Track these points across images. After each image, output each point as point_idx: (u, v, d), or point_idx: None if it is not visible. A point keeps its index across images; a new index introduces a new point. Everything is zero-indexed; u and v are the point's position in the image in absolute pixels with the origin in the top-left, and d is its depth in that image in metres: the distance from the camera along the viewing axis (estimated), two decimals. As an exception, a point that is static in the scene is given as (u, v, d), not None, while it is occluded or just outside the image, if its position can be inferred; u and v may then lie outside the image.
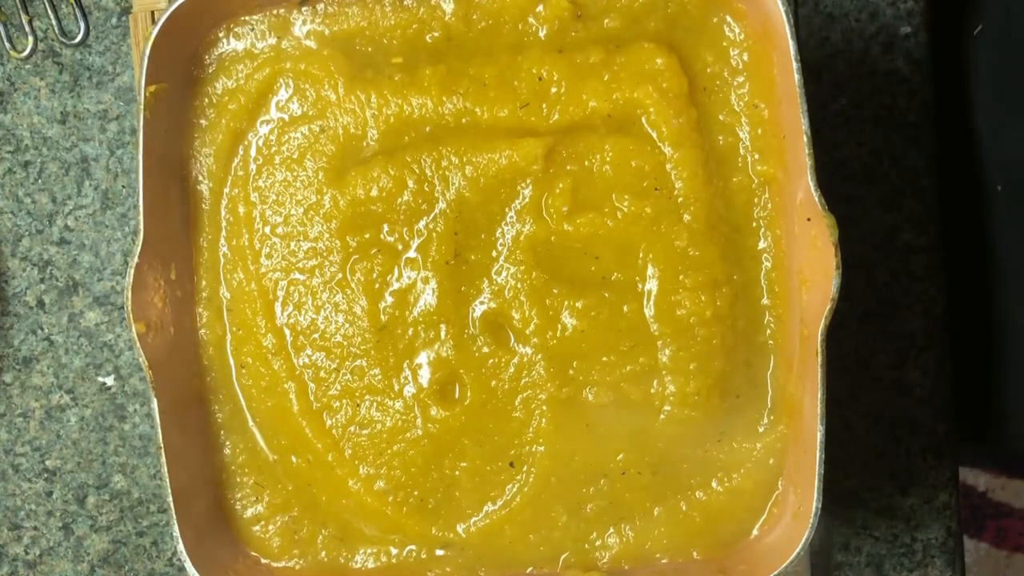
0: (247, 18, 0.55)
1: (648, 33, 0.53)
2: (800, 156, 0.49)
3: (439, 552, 0.55)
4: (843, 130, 0.62)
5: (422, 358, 0.54)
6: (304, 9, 0.54)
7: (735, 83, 0.53)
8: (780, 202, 0.53)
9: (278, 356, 0.55)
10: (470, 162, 0.53)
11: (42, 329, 0.65)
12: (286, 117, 0.55)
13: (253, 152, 0.55)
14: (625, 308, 0.53)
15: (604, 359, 0.53)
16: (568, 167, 0.53)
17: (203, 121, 0.55)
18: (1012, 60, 0.53)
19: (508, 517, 0.54)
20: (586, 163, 0.53)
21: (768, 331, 0.54)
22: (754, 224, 0.54)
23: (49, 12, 0.62)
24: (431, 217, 0.53)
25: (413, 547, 0.55)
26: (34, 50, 0.63)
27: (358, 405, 0.54)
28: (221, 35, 0.55)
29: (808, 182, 0.49)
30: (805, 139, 0.49)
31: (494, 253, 0.53)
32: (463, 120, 0.53)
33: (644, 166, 0.53)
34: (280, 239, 0.55)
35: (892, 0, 0.62)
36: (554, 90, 0.53)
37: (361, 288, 0.54)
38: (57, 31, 0.62)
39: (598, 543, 0.54)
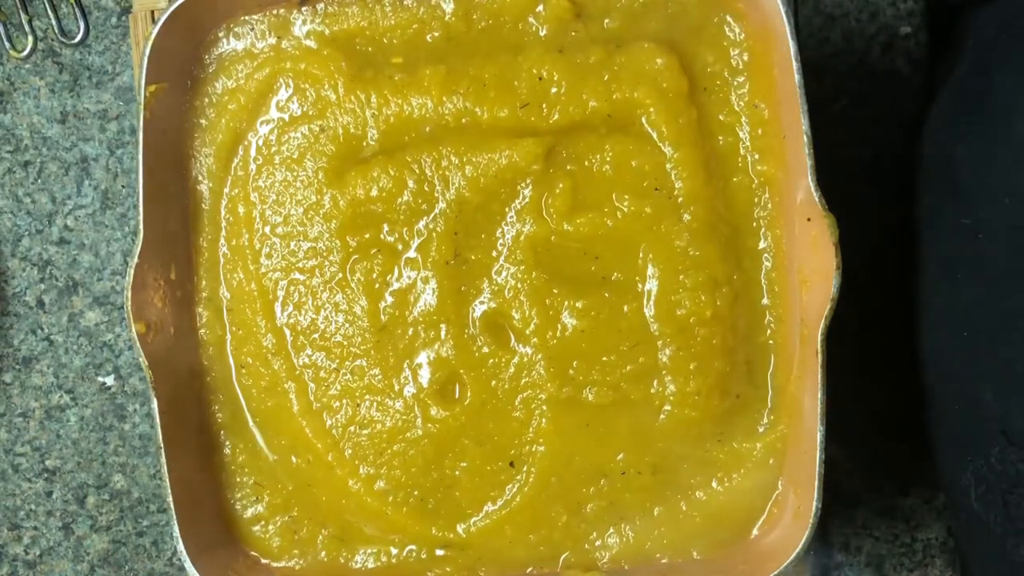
0: (247, 18, 0.55)
1: (648, 33, 0.53)
2: (800, 156, 0.49)
3: (439, 552, 0.55)
4: (843, 130, 0.62)
5: (422, 358, 0.54)
6: (304, 9, 0.54)
7: (735, 83, 0.53)
8: (780, 202, 0.53)
9: (278, 356, 0.55)
10: (470, 162, 0.53)
11: (42, 329, 0.65)
12: (286, 117, 0.55)
13: (253, 152, 0.55)
14: (625, 308, 0.53)
15: (604, 359, 0.53)
16: (568, 167, 0.53)
17: (203, 121, 0.55)
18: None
19: (508, 517, 0.54)
20: (586, 163, 0.53)
21: (768, 331, 0.54)
22: (754, 224, 0.54)
23: (49, 12, 0.62)
24: (431, 217, 0.53)
25: (413, 547, 0.55)
26: (34, 50, 0.63)
27: (358, 405, 0.54)
28: (221, 35, 0.55)
29: (808, 182, 0.49)
30: (805, 139, 0.49)
31: (494, 253, 0.53)
32: (463, 120, 0.53)
33: (644, 166, 0.53)
34: (280, 239, 0.55)
35: (892, 0, 0.62)
36: (554, 90, 0.53)
37: (361, 288, 0.54)
38: (57, 31, 0.62)
39: (598, 543, 0.54)
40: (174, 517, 0.51)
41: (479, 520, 0.54)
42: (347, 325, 0.54)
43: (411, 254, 0.54)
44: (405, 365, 0.54)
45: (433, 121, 0.53)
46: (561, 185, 0.53)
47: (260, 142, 0.55)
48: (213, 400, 0.55)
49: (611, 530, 0.54)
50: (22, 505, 0.65)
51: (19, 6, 0.62)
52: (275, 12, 0.55)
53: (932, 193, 0.55)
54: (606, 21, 0.54)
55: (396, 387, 0.54)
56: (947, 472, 0.53)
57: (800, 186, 0.50)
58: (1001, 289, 0.49)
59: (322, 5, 0.54)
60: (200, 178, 0.55)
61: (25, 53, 0.63)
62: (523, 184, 0.53)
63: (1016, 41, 0.52)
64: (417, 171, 0.53)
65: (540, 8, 0.53)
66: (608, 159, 0.53)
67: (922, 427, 0.62)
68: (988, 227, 0.49)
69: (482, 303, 0.53)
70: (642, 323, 0.53)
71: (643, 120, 0.53)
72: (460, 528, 0.54)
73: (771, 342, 0.54)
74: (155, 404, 0.51)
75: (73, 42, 0.62)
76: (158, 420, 0.51)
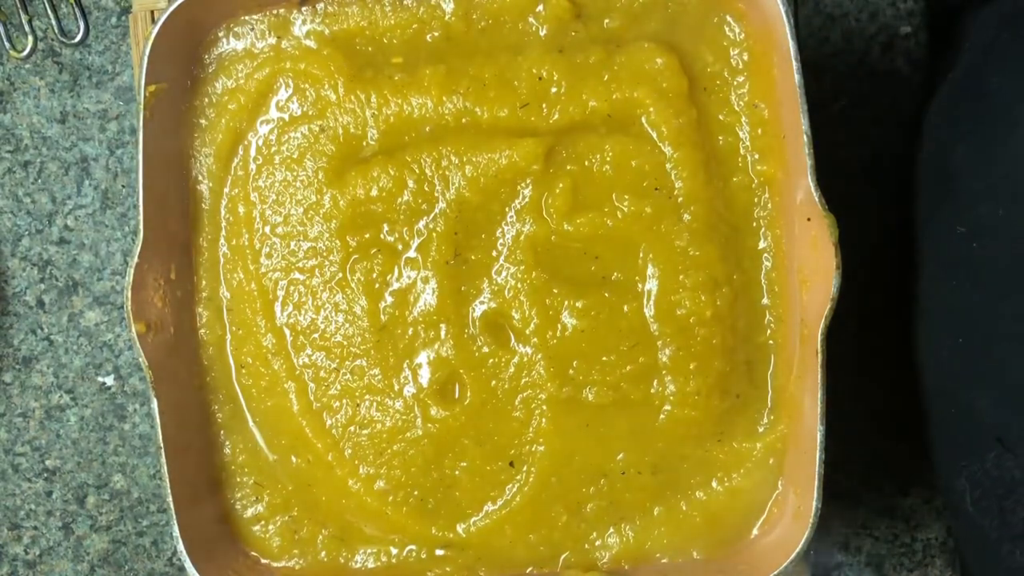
0: (247, 18, 0.55)
1: (648, 33, 0.53)
2: (800, 156, 0.49)
3: (439, 552, 0.55)
4: (843, 130, 0.62)
5: (422, 358, 0.54)
6: (304, 9, 0.54)
7: (735, 83, 0.53)
8: (780, 202, 0.53)
9: (278, 356, 0.55)
10: (470, 162, 0.53)
11: (42, 329, 0.65)
12: (286, 117, 0.55)
13: (253, 152, 0.55)
14: (625, 308, 0.53)
15: (604, 359, 0.53)
16: (568, 167, 0.53)
17: (203, 121, 0.55)
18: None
19: (508, 517, 0.54)
20: (586, 163, 0.53)
21: (768, 331, 0.54)
22: (754, 224, 0.54)
23: (49, 12, 0.62)
24: (431, 217, 0.53)
25: (413, 547, 0.55)
26: (34, 50, 0.63)
27: (358, 405, 0.54)
28: (221, 35, 0.55)
29: (808, 182, 0.49)
30: (805, 139, 0.49)
31: (494, 253, 0.53)
32: (463, 120, 0.53)
33: (644, 166, 0.53)
34: (280, 239, 0.55)
35: (892, 0, 0.62)
36: (554, 90, 0.53)
37: (361, 288, 0.54)
38: (57, 31, 0.62)
39: (598, 543, 0.54)
40: (174, 517, 0.51)
41: (479, 520, 0.54)
42: (347, 325, 0.54)
43: (411, 254, 0.54)
44: (405, 365, 0.54)
45: (433, 121, 0.53)
46: (561, 185, 0.53)
47: (260, 142, 0.55)
48: (213, 400, 0.55)
49: (611, 530, 0.54)
50: (22, 505, 0.65)
51: (19, 6, 0.62)
52: (275, 12, 0.55)
53: (930, 192, 0.55)
54: (606, 21, 0.54)
55: (396, 387, 0.54)
56: (943, 477, 0.53)
57: (800, 186, 0.50)
58: (999, 292, 0.49)
59: (322, 5, 0.54)
60: (200, 178, 0.55)
61: (25, 53, 0.63)
62: (523, 184, 0.53)
63: (1017, 41, 0.52)
64: (417, 171, 0.53)
65: (540, 8, 0.53)
66: (608, 159, 0.53)
67: (921, 428, 0.62)
68: (986, 229, 0.49)
69: (482, 303, 0.53)
70: (642, 323, 0.53)
71: (643, 120, 0.53)
72: (460, 528, 0.54)
73: (771, 342, 0.54)
74: (155, 404, 0.51)
75: (73, 42, 0.62)
76: (158, 420, 0.51)
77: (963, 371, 0.51)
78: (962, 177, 0.52)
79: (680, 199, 0.53)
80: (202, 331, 0.55)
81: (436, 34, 0.54)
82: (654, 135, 0.53)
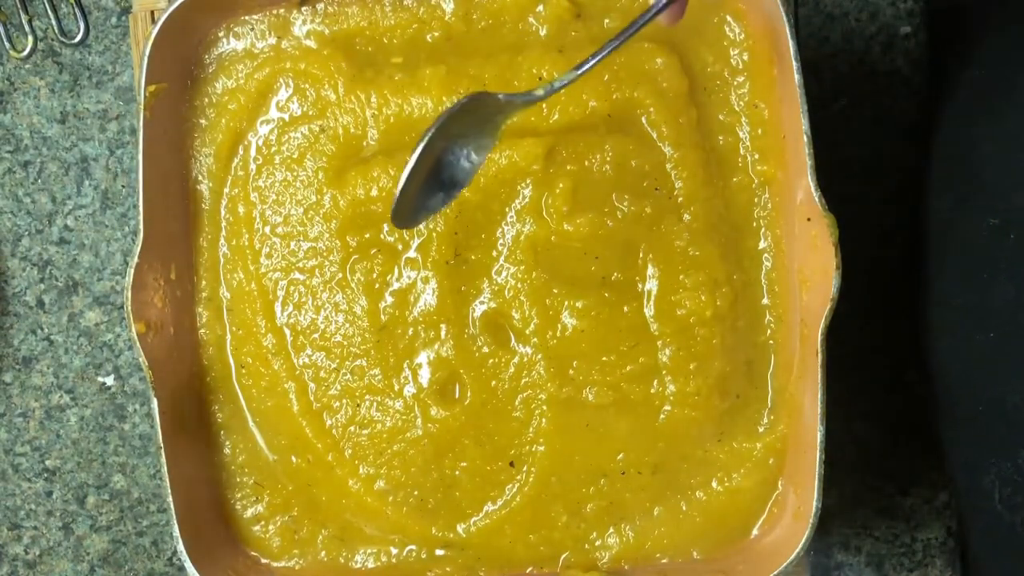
0: (247, 18, 0.55)
1: (648, 33, 0.53)
2: (800, 156, 0.49)
3: (439, 552, 0.55)
4: (843, 130, 0.62)
5: (422, 358, 0.54)
6: (304, 9, 0.54)
7: (735, 83, 0.53)
8: (780, 202, 0.53)
9: (278, 356, 0.55)
10: (470, 162, 0.53)
11: (42, 329, 0.65)
12: (286, 117, 0.55)
13: (253, 152, 0.55)
14: (625, 308, 0.53)
15: (604, 359, 0.53)
16: (568, 167, 0.53)
17: (203, 121, 0.55)
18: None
19: (508, 517, 0.54)
20: (586, 163, 0.53)
21: (768, 331, 0.54)
22: (754, 224, 0.54)
23: (49, 12, 0.62)
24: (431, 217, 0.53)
25: (413, 547, 0.55)
26: (34, 50, 0.63)
27: (358, 405, 0.54)
28: (221, 35, 0.55)
29: (808, 182, 0.49)
30: (805, 139, 0.49)
31: (494, 253, 0.53)
32: (463, 120, 0.53)
33: (644, 166, 0.53)
34: (280, 239, 0.55)
35: (892, 0, 0.62)
36: (554, 90, 0.53)
37: (361, 288, 0.54)
38: (57, 31, 0.62)
39: (598, 543, 0.54)
40: (174, 517, 0.51)
41: (479, 520, 0.54)
42: (347, 325, 0.54)
43: (411, 254, 0.54)
44: (405, 365, 0.54)
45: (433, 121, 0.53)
46: (561, 185, 0.53)
47: (260, 142, 0.55)
48: (213, 400, 0.55)
49: (611, 530, 0.54)
50: (22, 505, 0.65)
51: (19, 6, 0.62)
52: (275, 12, 0.55)
53: (953, 194, 0.54)
54: (606, 21, 0.54)
55: (396, 387, 0.54)
56: (965, 474, 0.52)
57: (800, 186, 0.50)
58: None
59: (322, 5, 0.54)
60: (200, 178, 0.55)
61: (25, 53, 0.63)
62: (523, 184, 0.53)
63: None
64: (417, 171, 0.53)
65: (540, 8, 0.53)
66: (608, 159, 0.53)
67: (924, 427, 0.62)
68: (1020, 221, 0.49)
69: (482, 303, 0.53)
70: (642, 323, 0.53)
71: (643, 120, 0.53)
72: (460, 528, 0.54)
73: (771, 342, 0.54)
74: (155, 404, 0.51)
75: (73, 42, 0.62)
76: (158, 420, 0.51)
77: (994, 367, 0.50)
78: (992, 170, 0.51)
79: (680, 199, 0.53)
80: (202, 331, 0.55)
81: (436, 34, 0.54)
82: (654, 135, 0.53)
